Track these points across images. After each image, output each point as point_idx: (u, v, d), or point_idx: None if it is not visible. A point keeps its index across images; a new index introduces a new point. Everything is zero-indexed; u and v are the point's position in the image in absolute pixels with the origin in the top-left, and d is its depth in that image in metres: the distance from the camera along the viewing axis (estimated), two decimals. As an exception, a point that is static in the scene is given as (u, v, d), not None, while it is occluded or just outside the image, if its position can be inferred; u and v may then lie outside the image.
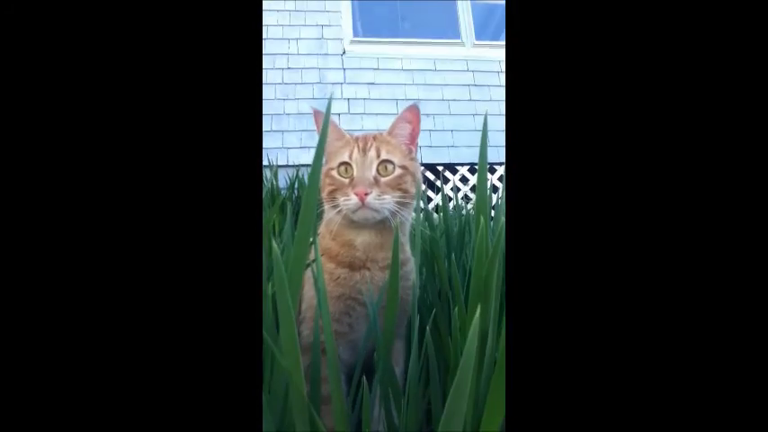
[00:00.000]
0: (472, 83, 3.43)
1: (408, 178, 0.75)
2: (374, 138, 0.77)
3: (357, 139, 0.77)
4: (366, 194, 0.70)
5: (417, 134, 0.79)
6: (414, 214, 0.78)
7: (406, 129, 0.78)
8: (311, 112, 0.81)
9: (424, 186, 3.34)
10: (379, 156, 0.74)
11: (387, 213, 0.72)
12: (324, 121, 0.43)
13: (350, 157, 0.74)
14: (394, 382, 0.61)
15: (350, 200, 0.71)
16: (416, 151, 0.80)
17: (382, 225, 0.74)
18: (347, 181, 0.74)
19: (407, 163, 0.76)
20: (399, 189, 0.74)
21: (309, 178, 0.41)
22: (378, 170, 0.74)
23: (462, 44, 3.57)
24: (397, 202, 0.73)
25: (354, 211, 0.72)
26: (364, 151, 0.74)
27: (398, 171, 0.75)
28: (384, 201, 0.72)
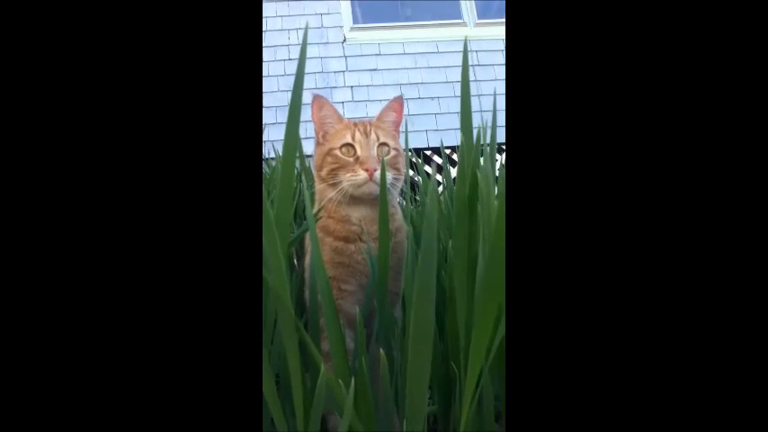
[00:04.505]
0: (476, 63, 3.39)
1: (401, 159, 0.86)
2: (371, 123, 0.86)
3: (356, 124, 0.86)
4: (375, 170, 0.78)
5: (400, 122, 0.90)
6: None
7: (392, 116, 0.89)
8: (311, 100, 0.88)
9: (430, 170, 3.31)
10: (378, 139, 0.83)
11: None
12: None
13: (352, 138, 0.82)
14: (392, 320, 0.60)
15: (357, 176, 0.78)
16: (399, 137, 0.91)
17: (376, 201, 0.81)
18: (352, 160, 0.81)
19: (398, 146, 0.86)
20: (395, 168, 0.84)
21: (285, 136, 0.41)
22: (378, 151, 0.83)
23: (465, 24, 3.53)
24: (392, 182, 0.82)
25: (360, 186, 0.78)
26: (366, 134, 0.83)
27: (393, 152, 0.85)
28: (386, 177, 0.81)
